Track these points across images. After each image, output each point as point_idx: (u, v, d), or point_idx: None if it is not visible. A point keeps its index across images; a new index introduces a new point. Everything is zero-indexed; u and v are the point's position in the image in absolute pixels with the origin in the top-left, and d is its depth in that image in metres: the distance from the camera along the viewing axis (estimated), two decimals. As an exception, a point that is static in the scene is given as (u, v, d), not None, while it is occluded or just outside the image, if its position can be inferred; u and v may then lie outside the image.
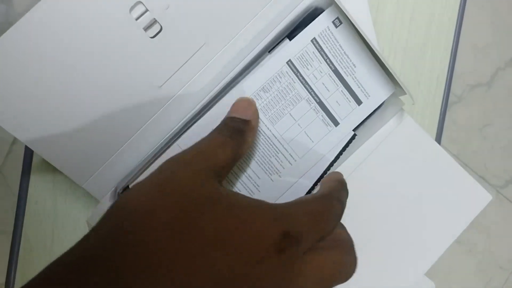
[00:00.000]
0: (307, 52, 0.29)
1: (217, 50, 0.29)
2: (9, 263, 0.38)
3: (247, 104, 0.27)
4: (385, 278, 0.33)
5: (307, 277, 0.18)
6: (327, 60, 0.29)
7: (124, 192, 0.22)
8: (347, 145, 0.31)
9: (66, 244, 0.37)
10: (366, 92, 0.30)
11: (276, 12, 0.29)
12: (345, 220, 0.32)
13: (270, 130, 0.29)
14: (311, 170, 0.30)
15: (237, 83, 0.29)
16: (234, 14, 0.28)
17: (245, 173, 0.30)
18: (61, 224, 0.37)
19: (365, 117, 0.31)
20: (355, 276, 0.21)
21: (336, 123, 0.30)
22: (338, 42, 0.29)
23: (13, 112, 0.27)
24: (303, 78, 0.29)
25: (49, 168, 0.36)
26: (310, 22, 0.29)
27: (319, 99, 0.30)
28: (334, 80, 0.30)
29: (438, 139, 0.44)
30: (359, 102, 0.30)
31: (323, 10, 0.30)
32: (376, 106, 0.31)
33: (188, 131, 0.29)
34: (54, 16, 0.25)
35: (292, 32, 0.30)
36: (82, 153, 0.28)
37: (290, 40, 0.30)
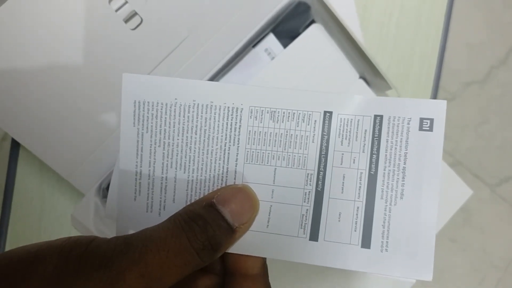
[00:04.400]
0: (357, 123, 0.20)
1: (201, 43, 0.29)
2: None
3: (248, 205, 0.19)
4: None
5: None
6: (374, 154, 0.20)
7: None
8: None
9: (53, 238, 0.37)
10: (386, 240, 0.20)
11: (260, 5, 0.29)
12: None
13: (236, 165, 0.21)
14: None
15: (219, 79, 0.29)
16: (217, 6, 0.28)
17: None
18: (48, 218, 0.37)
19: (363, 270, 0.20)
20: (339, 270, 0.20)
21: (315, 237, 0.20)
22: (406, 146, 0.20)
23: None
24: (326, 147, 0.20)
25: (36, 162, 0.37)
26: (295, 18, 0.29)
27: (321, 190, 0.20)
28: (360, 185, 0.20)
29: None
30: (367, 244, 0.20)
31: (308, 5, 0.30)
32: (391, 275, 0.20)
33: None
34: (33, 7, 0.25)
35: (276, 27, 0.30)
36: (67, 145, 0.28)
37: (274, 35, 0.30)
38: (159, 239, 0.16)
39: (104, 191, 0.29)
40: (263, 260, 0.20)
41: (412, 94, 0.43)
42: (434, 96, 0.43)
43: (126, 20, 0.27)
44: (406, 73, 0.43)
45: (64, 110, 0.28)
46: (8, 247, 0.38)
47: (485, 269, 0.89)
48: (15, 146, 0.37)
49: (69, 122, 0.28)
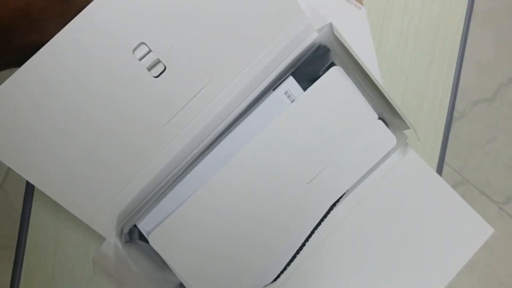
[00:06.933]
0: None
1: (222, 88, 0.29)
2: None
3: None
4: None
5: None
6: None
7: None
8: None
9: (67, 273, 0.37)
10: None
11: (279, 50, 0.29)
12: (347, 255, 0.32)
13: None
14: None
15: (240, 122, 0.29)
16: (238, 52, 0.28)
17: None
18: (62, 251, 0.37)
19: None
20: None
21: None
22: None
23: (16, 149, 0.27)
24: None
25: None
26: (314, 60, 0.29)
27: None
28: None
29: (442, 156, 0.44)
30: None
31: (327, 48, 0.30)
32: None
33: (193, 170, 0.29)
34: (58, 58, 0.25)
35: (296, 70, 0.30)
36: (87, 191, 0.28)
37: (294, 77, 0.30)
38: None
39: (125, 236, 0.29)
40: None
41: (425, 122, 0.43)
42: (449, 126, 0.43)
43: (150, 68, 0.27)
44: (420, 101, 0.43)
45: (84, 156, 0.28)
46: (23, 279, 0.38)
47: (493, 287, 0.88)
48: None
49: (90, 167, 0.28)
